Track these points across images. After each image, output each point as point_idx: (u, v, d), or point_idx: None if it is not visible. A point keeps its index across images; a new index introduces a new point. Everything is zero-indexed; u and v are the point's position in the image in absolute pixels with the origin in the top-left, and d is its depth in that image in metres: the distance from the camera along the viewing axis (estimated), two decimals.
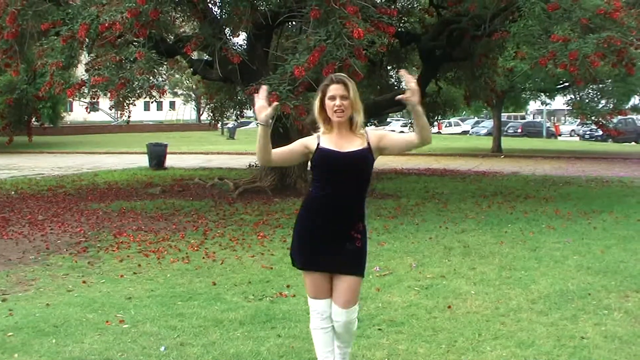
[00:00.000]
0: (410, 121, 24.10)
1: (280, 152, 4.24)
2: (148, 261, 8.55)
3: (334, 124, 4.17)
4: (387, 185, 17.27)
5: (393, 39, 12.80)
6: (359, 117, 4.14)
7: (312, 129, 4.41)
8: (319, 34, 11.06)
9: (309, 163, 4.25)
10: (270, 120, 4.02)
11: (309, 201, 4.28)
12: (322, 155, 4.16)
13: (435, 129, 47.57)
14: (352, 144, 4.15)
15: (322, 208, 4.18)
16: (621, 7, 12.03)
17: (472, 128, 63.77)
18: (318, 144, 4.18)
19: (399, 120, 71.50)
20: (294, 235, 4.36)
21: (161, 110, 79.59)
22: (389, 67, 20.99)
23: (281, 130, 12.34)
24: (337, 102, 4.08)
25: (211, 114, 22.63)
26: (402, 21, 17.94)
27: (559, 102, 41.42)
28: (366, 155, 4.17)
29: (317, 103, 4.19)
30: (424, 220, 11.65)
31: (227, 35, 13.76)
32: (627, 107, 33.45)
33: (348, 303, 4.22)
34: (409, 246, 9.35)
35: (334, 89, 4.11)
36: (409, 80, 3.93)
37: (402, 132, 58.66)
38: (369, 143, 4.17)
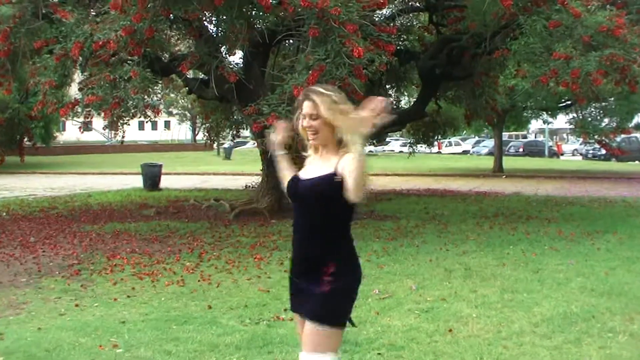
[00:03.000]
0: (410, 141, 24.10)
1: None
2: (142, 284, 8.52)
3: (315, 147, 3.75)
4: (386, 206, 17.26)
5: (392, 57, 12.83)
6: (349, 135, 3.44)
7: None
8: (318, 53, 11.07)
9: None
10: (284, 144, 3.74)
11: None
12: (288, 182, 3.83)
13: (435, 149, 47.53)
14: (322, 168, 3.64)
15: (293, 242, 3.79)
16: (624, 24, 12.06)
17: (472, 148, 63.89)
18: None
19: (398, 140, 71.61)
20: None
21: (156, 130, 79.69)
22: (387, 86, 21.02)
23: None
24: (305, 122, 3.67)
25: (207, 134, 22.67)
26: (402, 39, 18.00)
27: (561, 120, 41.53)
28: (328, 182, 3.55)
29: (299, 122, 3.76)
30: (424, 242, 11.65)
31: (223, 53, 13.79)
32: (630, 126, 33.45)
33: (307, 350, 3.62)
34: (409, 268, 9.32)
35: (304, 107, 3.68)
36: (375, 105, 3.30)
37: (401, 151, 58.97)
38: (337, 166, 3.58)
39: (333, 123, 3.59)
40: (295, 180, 3.77)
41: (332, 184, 3.52)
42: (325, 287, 3.57)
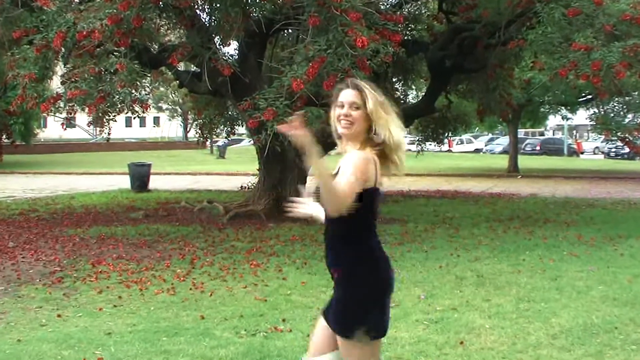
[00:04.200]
0: (420, 138, 24.05)
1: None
2: (130, 293, 8.52)
3: (345, 139, 3.79)
4: (393, 208, 17.26)
5: (399, 48, 12.83)
6: (386, 133, 3.71)
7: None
8: (319, 43, 11.08)
9: None
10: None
11: None
12: None
13: (445, 147, 47.50)
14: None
15: None
16: None
17: (485, 146, 63.94)
18: None
19: (405, 137, 71.27)
20: None
21: (144, 126, 79.77)
22: (394, 79, 20.99)
23: (278, 149, 12.36)
24: (345, 110, 3.74)
25: (199, 131, 22.63)
26: (409, 29, 17.99)
27: (581, 116, 41.38)
28: None
29: (331, 113, 3.85)
30: (434, 247, 11.67)
31: (217, 44, 13.77)
32: None
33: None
34: (417, 276, 9.34)
35: (347, 95, 3.76)
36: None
37: (408, 150, 58.32)
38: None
39: (374, 118, 3.72)
40: None
41: None
42: (336, 292, 3.77)
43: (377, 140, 3.73)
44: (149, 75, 14.32)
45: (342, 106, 3.75)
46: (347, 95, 3.76)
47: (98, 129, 16.46)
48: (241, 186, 20.25)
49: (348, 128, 3.74)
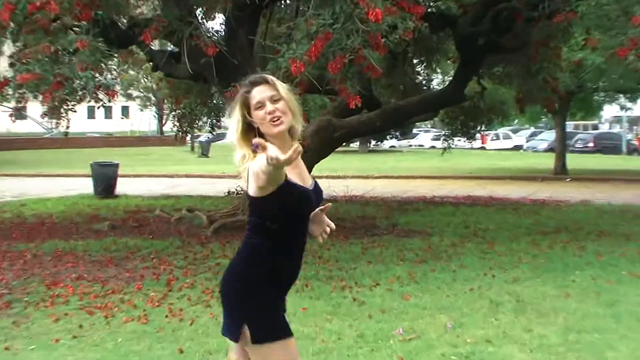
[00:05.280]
0: (444, 134, 23.98)
1: None
2: (93, 321, 8.53)
3: (274, 140, 4.01)
4: (413, 218, 17.26)
5: (421, 22, 12.77)
6: (299, 125, 4.19)
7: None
8: (323, 16, 10.96)
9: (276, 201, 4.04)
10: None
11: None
12: (307, 191, 4.21)
13: (477, 144, 47.34)
14: (304, 169, 4.25)
15: (295, 257, 4.31)
16: None
17: (527, 142, 64.00)
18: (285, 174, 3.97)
19: (428, 131, 71.69)
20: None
21: (110, 118, 79.90)
22: (415, 61, 20.94)
23: None
24: (269, 107, 4.06)
25: (177, 124, 22.52)
26: None
27: None
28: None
29: (237, 125, 4.14)
30: (463, 266, 11.69)
31: (199, 18, 13.77)
32: None
33: None
34: (443, 300, 9.37)
35: (258, 93, 4.09)
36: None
37: (432, 147, 58.62)
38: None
39: (290, 105, 4.12)
40: (304, 187, 4.16)
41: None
42: None
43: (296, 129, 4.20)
44: (116, 55, 14.31)
45: (262, 106, 4.06)
46: (260, 92, 4.09)
47: (54, 121, 16.45)
48: (228, 191, 20.20)
49: (281, 123, 4.08)
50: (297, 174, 4.10)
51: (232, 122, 4.15)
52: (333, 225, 4.29)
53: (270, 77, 4.12)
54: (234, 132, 4.13)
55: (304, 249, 4.27)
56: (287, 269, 4.22)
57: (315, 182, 4.25)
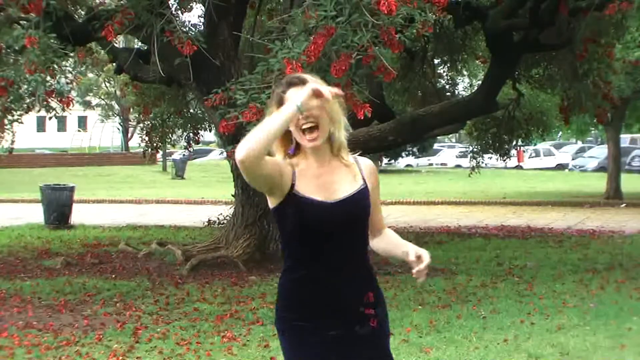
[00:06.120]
0: (473, 150, 24.11)
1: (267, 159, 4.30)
2: None
3: (306, 151, 4.37)
4: (436, 253, 17.06)
5: (444, 14, 12.72)
6: (341, 133, 4.38)
7: None
8: (324, 7, 10.84)
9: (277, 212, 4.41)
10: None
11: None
12: (307, 207, 4.35)
13: (513, 162, 47.40)
14: (343, 179, 4.44)
15: (327, 287, 4.45)
16: None
17: (573, 159, 64.39)
18: (292, 184, 4.30)
19: (453, 147, 72.13)
20: None
21: (64, 131, 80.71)
22: (436, 61, 20.91)
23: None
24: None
25: (146, 138, 22.71)
26: None
27: None
28: (366, 197, 4.48)
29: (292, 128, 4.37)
30: (496, 311, 11.76)
31: (173, 9, 13.93)
32: None
33: None
34: (471, 354, 9.42)
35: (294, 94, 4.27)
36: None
37: (458, 165, 59.21)
38: (364, 178, 4.50)
39: (330, 111, 4.31)
40: (314, 203, 4.33)
41: (368, 199, 4.47)
42: (374, 322, 4.46)
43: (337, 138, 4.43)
44: (71, 55, 14.68)
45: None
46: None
47: None
48: (208, 220, 20.67)
49: (314, 138, 4.33)
50: (318, 186, 4.34)
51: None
52: (425, 258, 4.38)
53: (309, 77, 4.27)
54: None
55: (345, 273, 4.39)
56: (314, 294, 4.39)
57: (354, 194, 4.39)
